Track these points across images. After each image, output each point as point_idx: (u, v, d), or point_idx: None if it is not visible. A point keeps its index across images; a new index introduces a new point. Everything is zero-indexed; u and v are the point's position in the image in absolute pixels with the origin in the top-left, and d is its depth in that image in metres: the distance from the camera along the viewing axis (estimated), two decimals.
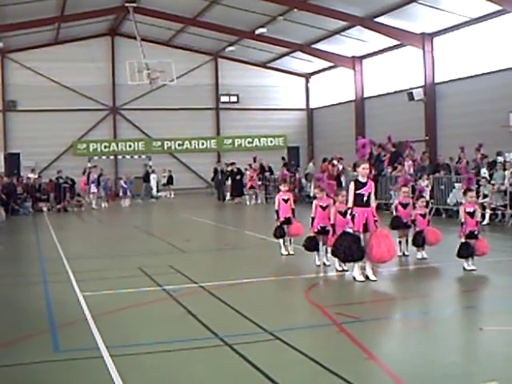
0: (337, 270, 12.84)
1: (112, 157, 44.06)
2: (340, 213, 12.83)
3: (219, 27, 39.14)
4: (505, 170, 22.56)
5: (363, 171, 12.01)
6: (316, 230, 13.66)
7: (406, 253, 14.77)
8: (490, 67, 30.17)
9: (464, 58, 32.06)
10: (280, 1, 33.00)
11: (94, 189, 34.21)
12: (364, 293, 11.25)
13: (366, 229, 11.86)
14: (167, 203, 36.84)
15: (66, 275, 13.19)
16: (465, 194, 13.29)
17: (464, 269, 12.60)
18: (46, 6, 33.76)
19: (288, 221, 15.23)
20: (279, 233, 15.29)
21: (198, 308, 9.91)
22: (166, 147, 45.00)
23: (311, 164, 37.39)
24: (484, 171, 23.38)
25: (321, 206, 13.65)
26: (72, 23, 38.84)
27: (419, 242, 14.25)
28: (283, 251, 15.25)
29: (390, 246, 11.88)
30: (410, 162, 26.63)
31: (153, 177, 40.07)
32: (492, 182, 22.54)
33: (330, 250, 13.02)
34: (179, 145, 45.13)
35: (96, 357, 7.60)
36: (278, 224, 15.25)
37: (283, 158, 38.20)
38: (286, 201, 15.36)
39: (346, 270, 12.62)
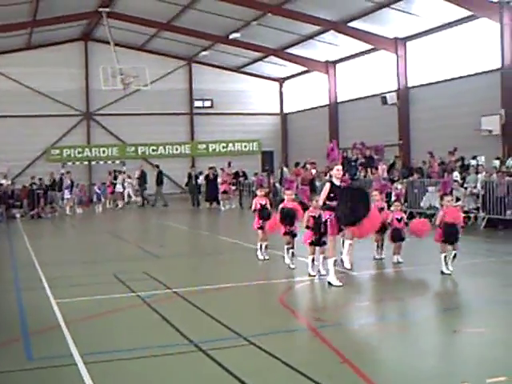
0: (309, 275, 12.84)
1: (86, 162, 43.82)
2: (313, 218, 12.82)
3: (193, 32, 39.10)
4: (477, 173, 22.74)
5: (337, 173, 12.06)
6: (284, 232, 13.80)
7: (382, 256, 14.82)
8: (461, 72, 30.40)
9: (436, 63, 32.28)
10: (254, 6, 33.05)
11: (67, 195, 33.96)
12: (339, 297, 11.28)
13: (340, 230, 11.95)
14: (142, 209, 36.66)
15: (39, 282, 13.09)
16: (442, 198, 13.36)
17: (442, 272, 12.65)
18: (18, 10, 33.45)
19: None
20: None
21: (172, 314, 9.88)
22: (139, 152, 44.82)
23: (285, 169, 37.41)
24: (456, 174, 23.54)
25: (286, 211, 13.77)
26: (45, 28, 38.54)
27: (396, 236, 14.27)
28: (259, 256, 15.24)
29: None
30: (384, 167, 26.75)
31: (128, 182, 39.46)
32: (465, 185, 22.71)
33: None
34: (153, 150, 44.98)
35: (70, 364, 7.55)
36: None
37: (264, 164, 38.07)
38: (262, 206, 15.36)
39: (323, 275, 12.62)
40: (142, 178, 38.15)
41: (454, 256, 12.81)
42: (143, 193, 38.16)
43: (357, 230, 11.84)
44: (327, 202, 11.94)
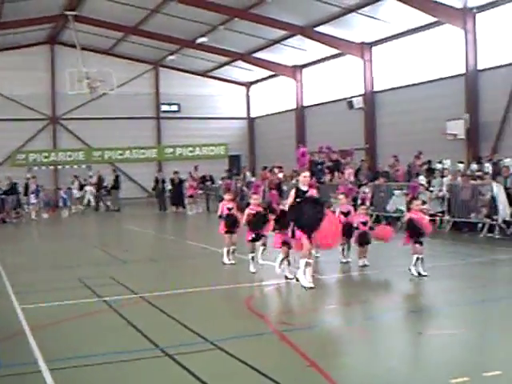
0: (286, 278, 12.82)
1: (52, 167, 43.48)
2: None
3: (160, 36, 39.05)
4: (443, 176, 22.94)
5: (304, 179, 12.09)
6: (250, 238, 13.79)
7: (349, 260, 14.89)
8: (427, 77, 30.68)
9: (402, 68, 32.55)
10: (221, 10, 33.04)
11: (33, 200, 33.65)
12: (305, 300, 11.30)
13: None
14: (108, 213, 36.46)
15: (3, 288, 12.95)
16: (410, 202, 13.44)
17: (412, 274, 12.75)
18: None
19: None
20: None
21: (138, 319, 9.83)
22: (106, 157, 44.56)
23: (248, 173, 37.51)
24: (422, 178, 23.72)
25: (252, 214, 13.79)
26: (10, 31, 38.21)
27: (361, 241, 14.34)
28: (226, 260, 15.22)
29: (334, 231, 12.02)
30: (351, 170, 26.86)
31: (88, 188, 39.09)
32: (430, 188, 22.88)
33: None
34: (120, 154, 44.76)
35: (34, 371, 7.47)
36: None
37: (229, 170, 37.95)
38: (229, 210, 15.36)
39: (291, 279, 12.63)
40: (100, 183, 37.97)
41: (421, 260, 12.91)
42: (102, 198, 37.94)
43: (320, 241, 11.90)
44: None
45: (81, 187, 38.22)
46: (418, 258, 12.82)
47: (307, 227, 11.72)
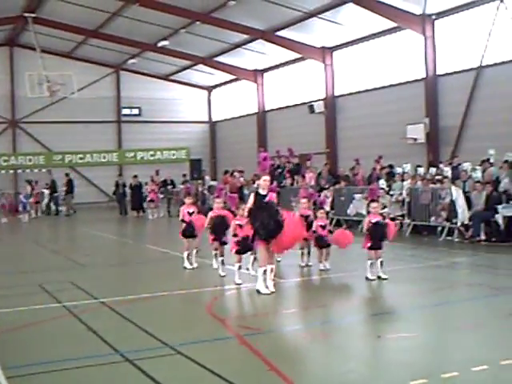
0: (236, 283, 12.85)
1: (11, 171, 42.99)
2: (240, 226, 12.83)
3: (121, 39, 38.88)
4: (403, 180, 23.15)
5: (264, 183, 12.13)
6: (212, 239, 13.85)
7: (309, 263, 14.94)
8: (387, 81, 30.97)
9: (363, 72, 32.80)
10: (182, 14, 33.01)
11: None
12: (265, 304, 11.31)
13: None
14: (68, 218, 36.19)
15: None
16: (368, 205, 13.55)
17: (367, 278, 12.85)
18: None
19: (191, 233, 15.23)
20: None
21: (98, 324, 9.77)
22: (66, 161, 44.13)
23: (207, 177, 37.56)
24: (382, 182, 23.92)
25: (213, 218, 13.82)
26: None
27: (320, 245, 14.40)
28: (187, 265, 15.20)
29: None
30: (312, 174, 26.97)
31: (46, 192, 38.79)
32: (390, 192, 23.08)
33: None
34: (80, 158, 44.33)
35: None
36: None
37: (184, 175, 37.77)
38: (190, 214, 15.36)
39: (240, 284, 12.65)
40: (54, 187, 37.69)
41: (381, 263, 13.03)
42: (57, 202, 37.66)
43: (281, 243, 11.90)
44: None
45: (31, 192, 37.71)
46: (371, 264, 12.93)
47: (266, 236, 11.76)
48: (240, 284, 12.76)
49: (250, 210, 11.90)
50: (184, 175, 36.91)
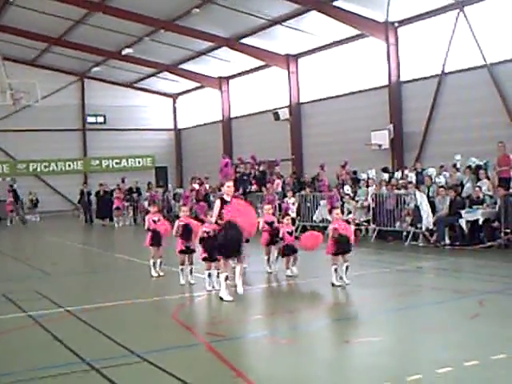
0: (206, 290, 12.86)
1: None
2: (207, 233, 12.83)
3: (85, 47, 38.70)
4: (368, 186, 23.32)
5: (228, 189, 12.18)
6: (180, 249, 13.77)
7: (276, 269, 14.98)
8: (352, 88, 31.19)
9: (328, 79, 33.00)
10: (146, 21, 32.95)
11: None
12: (232, 311, 11.33)
13: None
14: (33, 226, 35.90)
15: None
16: (330, 212, 13.60)
17: (333, 284, 12.91)
18: None
19: (157, 242, 15.18)
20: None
21: (64, 333, 9.71)
22: (31, 169, 43.84)
23: (170, 185, 37.60)
24: (347, 188, 24.07)
25: (183, 226, 13.77)
26: None
27: (288, 251, 14.45)
28: (153, 273, 15.16)
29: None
30: (278, 181, 27.05)
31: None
32: (356, 198, 23.24)
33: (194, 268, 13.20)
34: (45, 166, 44.06)
35: None
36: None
37: (149, 183, 37.59)
38: (155, 222, 15.33)
39: (218, 290, 12.65)
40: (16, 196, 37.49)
41: (347, 268, 13.10)
42: (18, 211, 37.41)
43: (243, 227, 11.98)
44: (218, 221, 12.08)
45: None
46: (336, 269, 12.99)
47: (226, 255, 11.97)
48: (210, 291, 12.76)
49: (216, 223, 12.01)
50: (149, 183, 36.79)
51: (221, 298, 11.89)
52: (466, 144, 24.05)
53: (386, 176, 24.49)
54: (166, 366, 7.77)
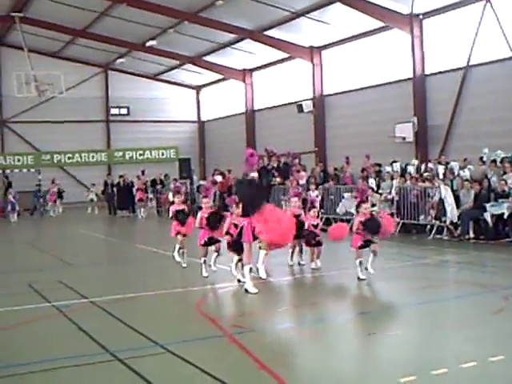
0: (238, 281, 12.79)
1: (0, 171, 42.80)
2: (235, 226, 12.78)
3: (109, 39, 38.79)
4: (392, 179, 23.22)
5: None
6: (203, 242, 13.71)
7: (302, 262, 14.96)
8: (376, 80, 31.02)
9: (351, 71, 32.85)
10: (170, 13, 32.96)
11: None
12: (256, 303, 11.33)
13: (255, 238, 12.03)
14: (57, 218, 36.12)
15: None
16: (359, 205, 13.47)
17: (358, 278, 12.85)
18: None
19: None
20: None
21: (88, 323, 9.75)
22: (55, 160, 44.06)
23: (195, 177, 37.62)
24: (372, 181, 23.98)
25: (206, 216, 13.75)
26: None
27: (312, 244, 14.42)
28: (177, 258, 15.11)
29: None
30: (303, 174, 26.95)
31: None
32: (380, 191, 23.15)
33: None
34: (69, 158, 44.28)
35: None
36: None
37: (166, 175, 37.65)
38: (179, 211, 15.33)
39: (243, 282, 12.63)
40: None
41: (374, 256, 12.96)
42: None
43: (272, 241, 11.89)
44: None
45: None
46: (360, 262, 12.91)
47: (250, 207, 11.94)
48: (239, 281, 12.71)
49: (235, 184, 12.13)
50: (166, 175, 36.91)
51: (246, 290, 11.86)
52: (491, 137, 23.85)
53: (411, 169, 24.38)
54: (190, 357, 7.78)
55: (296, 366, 7.74)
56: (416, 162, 25.45)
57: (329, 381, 7.03)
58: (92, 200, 39.17)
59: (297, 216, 14.75)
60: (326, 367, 7.54)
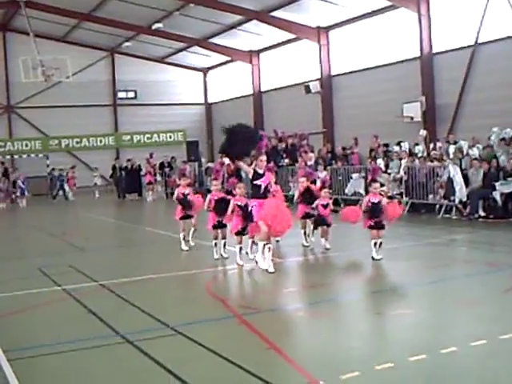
0: (238, 264, 12.87)
1: (8, 156, 42.89)
2: (239, 206, 12.82)
3: (115, 22, 38.66)
4: (400, 159, 23.16)
5: (260, 163, 12.12)
6: (212, 225, 13.74)
7: (306, 244, 14.96)
8: (383, 60, 30.86)
9: (359, 51, 32.69)
10: None
11: None
12: (265, 284, 11.36)
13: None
14: (66, 202, 36.23)
15: None
16: (369, 184, 13.50)
17: (373, 258, 12.84)
18: None
19: (187, 215, 15.21)
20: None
21: (98, 306, 9.79)
22: (63, 145, 44.05)
23: (203, 159, 37.64)
24: (380, 161, 23.93)
25: (215, 200, 13.76)
26: None
27: (319, 223, 14.41)
28: (183, 246, 15.21)
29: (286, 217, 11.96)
30: (312, 155, 26.91)
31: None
32: (388, 171, 23.11)
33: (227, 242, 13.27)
34: (77, 142, 44.25)
35: None
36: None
37: (172, 157, 37.66)
38: (185, 195, 15.35)
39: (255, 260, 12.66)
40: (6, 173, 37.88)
41: (380, 244, 12.96)
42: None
43: (273, 229, 11.86)
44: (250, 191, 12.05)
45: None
46: (375, 243, 12.90)
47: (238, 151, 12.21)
48: (242, 265, 12.76)
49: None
50: (172, 157, 36.98)
51: (261, 268, 11.90)
52: (500, 115, 23.68)
53: (419, 148, 24.31)
54: (200, 338, 7.81)
55: (305, 346, 7.76)
56: (424, 132, 25.32)
57: (338, 360, 7.04)
58: (96, 184, 39.18)
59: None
60: (335, 346, 7.56)
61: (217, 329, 8.53)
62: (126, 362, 7.31)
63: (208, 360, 7.17)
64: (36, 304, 10.30)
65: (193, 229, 15.37)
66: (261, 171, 12.09)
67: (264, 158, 12.24)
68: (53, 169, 39.31)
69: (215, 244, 13.82)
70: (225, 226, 13.84)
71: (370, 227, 12.93)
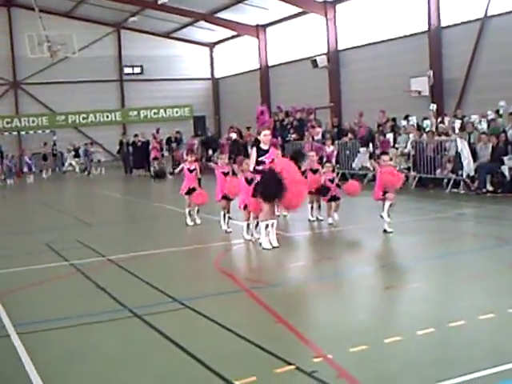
0: (244, 239, 12.87)
1: (15, 133, 42.89)
2: (246, 180, 12.79)
3: None
4: (408, 133, 23.07)
5: (265, 138, 12.05)
6: (221, 196, 13.79)
7: (320, 217, 14.95)
8: (390, 34, 30.64)
9: (366, 25, 32.45)
10: None
11: None
12: (273, 258, 11.36)
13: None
14: (73, 177, 36.27)
15: None
16: (379, 157, 13.52)
17: (385, 231, 12.87)
18: None
19: (192, 190, 15.22)
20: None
21: (106, 281, 9.83)
22: (70, 121, 44.04)
23: (210, 134, 37.69)
24: (388, 136, 23.83)
25: (222, 173, 13.80)
26: None
27: (329, 198, 14.40)
28: (189, 222, 15.25)
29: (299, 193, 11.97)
30: (319, 129, 26.80)
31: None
32: (396, 145, 23.02)
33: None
34: (83, 118, 44.23)
35: (3, 336, 7.45)
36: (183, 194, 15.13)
37: (178, 132, 37.65)
38: (191, 171, 15.37)
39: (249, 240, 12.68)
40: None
41: (390, 205, 12.94)
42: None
43: (287, 204, 11.93)
44: (256, 167, 11.98)
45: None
46: (391, 205, 12.88)
47: (269, 198, 11.84)
48: (250, 240, 12.77)
49: (254, 170, 11.97)
50: (177, 132, 36.98)
51: (260, 244, 11.90)
52: (508, 89, 23.52)
53: (427, 123, 24.20)
54: (208, 312, 7.83)
55: (314, 320, 7.78)
56: (434, 106, 25.17)
57: (346, 334, 7.04)
58: (99, 161, 39.19)
59: (315, 171, 14.75)
60: (344, 320, 7.57)
61: (225, 303, 8.55)
62: (134, 335, 7.34)
63: (216, 334, 7.19)
64: (44, 279, 10.33)
65: (196, 207, 15.39)
66: (265, 147, 12.02)
67: (268, 132, 12.16)
68: (86, 144, 39.52)
69: (224, 215, 13.87)
70: (231, 199, 13.87)
71: (381, 199, 12.96)
